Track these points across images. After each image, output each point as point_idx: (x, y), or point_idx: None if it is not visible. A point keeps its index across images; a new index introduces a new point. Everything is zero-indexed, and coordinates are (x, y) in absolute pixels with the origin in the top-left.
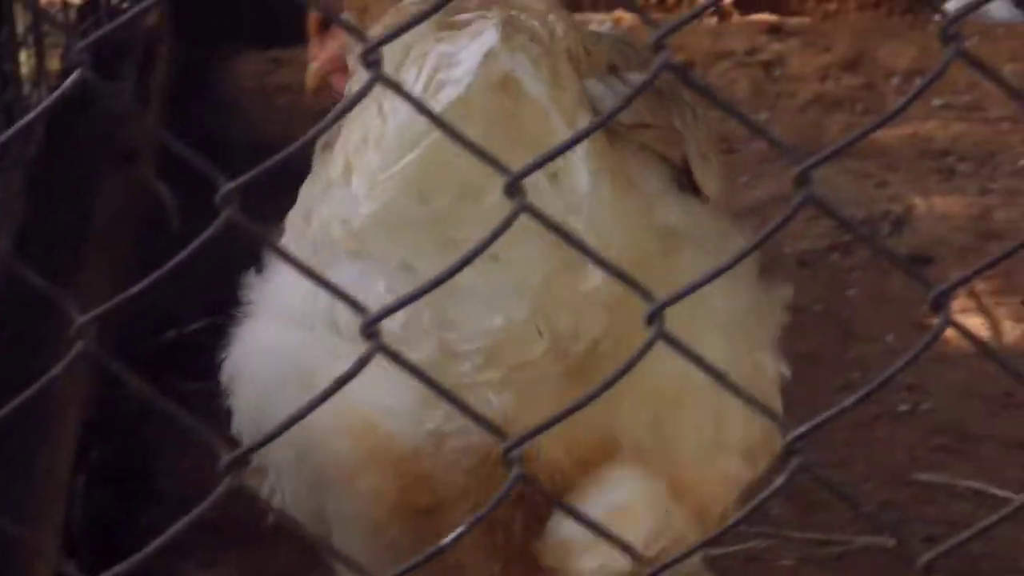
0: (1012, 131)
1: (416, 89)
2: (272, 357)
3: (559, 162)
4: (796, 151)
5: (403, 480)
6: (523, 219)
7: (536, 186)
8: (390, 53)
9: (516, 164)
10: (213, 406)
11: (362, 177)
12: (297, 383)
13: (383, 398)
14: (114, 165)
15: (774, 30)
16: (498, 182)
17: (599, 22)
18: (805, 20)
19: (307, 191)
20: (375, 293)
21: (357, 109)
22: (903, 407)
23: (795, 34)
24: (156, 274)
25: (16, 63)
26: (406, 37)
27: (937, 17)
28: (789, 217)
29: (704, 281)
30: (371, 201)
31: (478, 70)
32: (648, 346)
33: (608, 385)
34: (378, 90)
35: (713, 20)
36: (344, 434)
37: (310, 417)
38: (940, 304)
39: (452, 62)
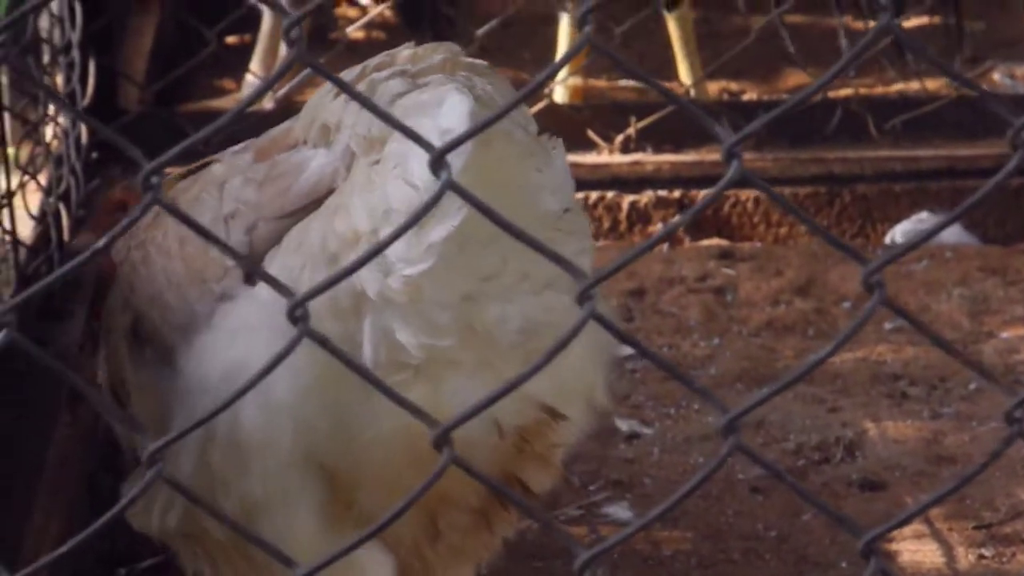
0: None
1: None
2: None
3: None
4: (717, 401)
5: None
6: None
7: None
8: (357, 127)
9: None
10: None
11: (398, 241)
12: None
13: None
14: (64, 406)
15: (725, 255)
16: (526, 216)
17: None
18: (756, 244)
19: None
20: (441, 324)
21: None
22: None
23: (746, 259)
24: (98, 523)
25: None
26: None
27: (862, 267)
28: (715, 468)
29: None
30: (419, 260)
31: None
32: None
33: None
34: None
35: (664, 246)
36: (398, 438)
37: (352, 416)
38: (870, 551)
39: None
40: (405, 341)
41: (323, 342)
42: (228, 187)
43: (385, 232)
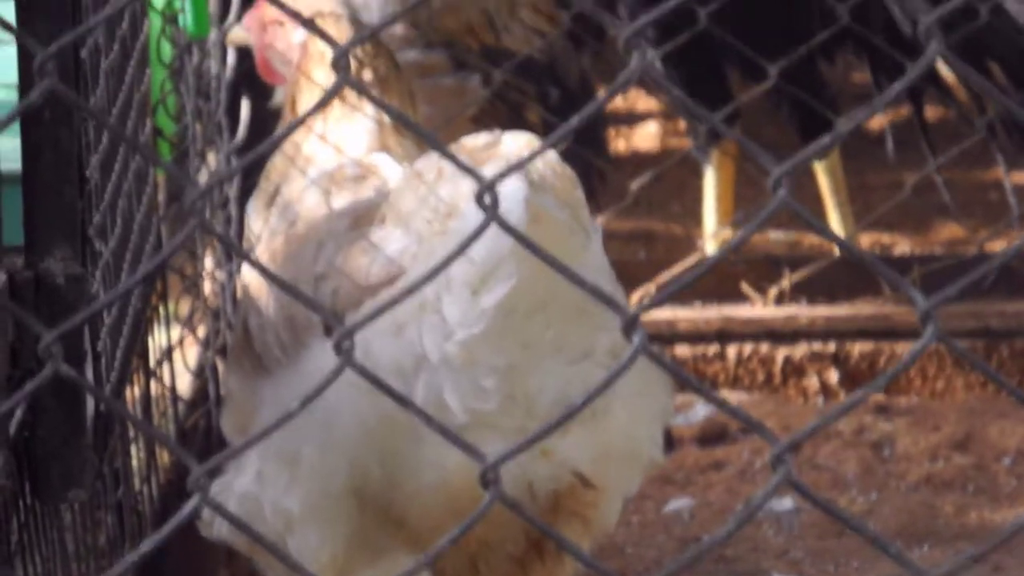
0: None
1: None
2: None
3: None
4: (911, 564)
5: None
6: None
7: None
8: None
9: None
10: None
11: (456, 307)
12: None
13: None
14: None
15: (881, 410)
16: (566, 291)
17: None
18: (913, 399)
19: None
20: (486, 389)
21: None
22: None
23: (903, 413)
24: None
25: (128, 459)
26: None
27: None
28: None
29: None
30: (474, 323)
31: (524, 214)
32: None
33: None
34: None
35: (820, 400)
36: (440, 490)
37: (402, 464)
38: None
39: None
40: (452, 404)
41: (364, 372)
42: (324, 249)
43: (446, 300)
